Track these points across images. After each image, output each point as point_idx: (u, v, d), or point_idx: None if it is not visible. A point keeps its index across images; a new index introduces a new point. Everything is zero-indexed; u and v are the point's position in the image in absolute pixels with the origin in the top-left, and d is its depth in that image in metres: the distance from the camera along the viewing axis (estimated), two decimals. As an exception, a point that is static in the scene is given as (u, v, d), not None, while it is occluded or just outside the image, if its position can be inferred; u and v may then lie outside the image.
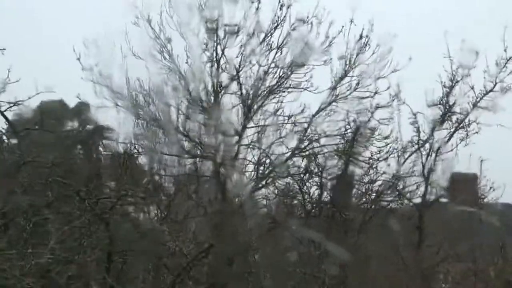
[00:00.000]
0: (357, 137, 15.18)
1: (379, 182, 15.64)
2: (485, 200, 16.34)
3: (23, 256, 10.48)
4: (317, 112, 14.83)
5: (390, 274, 15.18)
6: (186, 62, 14.29)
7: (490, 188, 16.09)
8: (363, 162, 15.33)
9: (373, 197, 15.60)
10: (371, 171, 15.48)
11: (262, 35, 14.28)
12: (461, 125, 15.57)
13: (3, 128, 13.45)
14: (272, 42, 14.38)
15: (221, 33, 14.20)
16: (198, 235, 13.76)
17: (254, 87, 14.48)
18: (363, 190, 15.69)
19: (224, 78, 14.44)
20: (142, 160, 15.28)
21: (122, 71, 14.37)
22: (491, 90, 15.35)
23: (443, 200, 16.10)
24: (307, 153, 14.99)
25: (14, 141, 13.96)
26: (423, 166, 15.59)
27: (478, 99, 15.42)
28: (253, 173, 14.71)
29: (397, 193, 15.74)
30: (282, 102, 14.66)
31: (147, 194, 13.93)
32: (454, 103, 15.57)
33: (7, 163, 12.68)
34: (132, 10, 14.23)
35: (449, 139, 15.67)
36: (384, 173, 15.56)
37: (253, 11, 14.14)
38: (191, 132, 14.45)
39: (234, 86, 14.45)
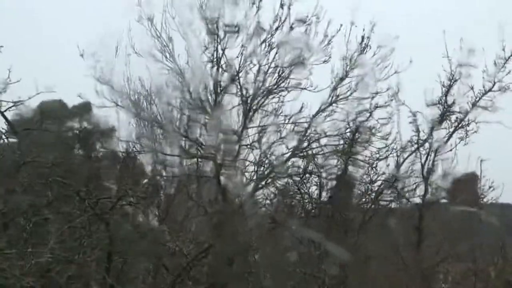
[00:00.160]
0: (356, 137, 15.19)
1: (379, 182, 15.68)
2: (485, 200, 16.33)
3: (23, 255, 10.50)
4: (317, 113, 14.86)
5: (390, 274, 15.17)
6: (187, 63, 14.36)
7: (490, 187, 16.10)
8: (362, 162, 15.35)
9: (372, 197, 15.61)
10: (371, 171, 15.52)
11: (263, 35, 14.32)
12: (461, 124, 15.58)
13: (3, 128, 13.48)
14: (273, 42, 14.44)
15: (221, 33, 14.26)
16: (198, 235, 13.78)
17: (254, 87, 14.51)
18: (363, 190, 15.71)
19: (225, 78, 14.49)
20: (142, 160, 15.32)
21: (123, 71, 14.45)
22: (490, 90, 15.37)
23: (443, 200, 16.10)
24: (306, 153, 14.99)
25: (14, 141, 13.96)
26: (422, 166, 15.61)
27: (477, 98, 15.44)
28: (253, 173, 14.76)
29: (396, 193, 15.74)
30: (282, 102, 14.72)
31: (147, 194, 13.94)
32: (453, 103, 15.56)
33: (7, 163, 12.68)
34: (132, 10, 14.28)
35: (448, 139, 15.67)
36: (383, 173, 15.59)
37: (254, 11, 14.19)
38: (191, 132, 14.46)
39: (234, 86, 14.49)
